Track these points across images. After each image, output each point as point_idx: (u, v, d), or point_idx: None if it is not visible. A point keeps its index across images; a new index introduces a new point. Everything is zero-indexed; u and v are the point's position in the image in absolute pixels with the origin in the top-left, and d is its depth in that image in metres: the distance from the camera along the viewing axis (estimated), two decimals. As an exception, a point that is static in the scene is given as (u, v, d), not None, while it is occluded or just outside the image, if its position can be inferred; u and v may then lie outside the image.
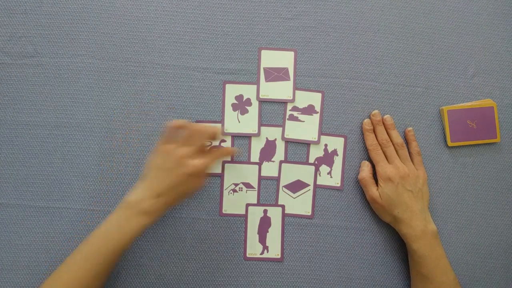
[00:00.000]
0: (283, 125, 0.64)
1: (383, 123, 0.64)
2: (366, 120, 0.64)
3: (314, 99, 0.65)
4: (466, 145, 0.65)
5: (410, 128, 0.64)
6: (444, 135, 0.65)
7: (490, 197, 0.65)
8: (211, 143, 0.64)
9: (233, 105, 0.64)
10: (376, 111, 0.64)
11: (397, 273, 0.63)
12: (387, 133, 0.63)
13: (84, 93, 0.63)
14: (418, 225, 0.58)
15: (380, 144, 0.62)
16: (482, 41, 0.66)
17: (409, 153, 0.63)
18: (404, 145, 0.62)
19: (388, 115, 0.63)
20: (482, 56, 0.66)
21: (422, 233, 0.58)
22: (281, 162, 0.64)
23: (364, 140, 0.64)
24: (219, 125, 0.59)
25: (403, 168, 0.60)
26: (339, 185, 0.64)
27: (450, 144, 0.64)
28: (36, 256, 0.61)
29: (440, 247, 0.59)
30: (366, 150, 0.64)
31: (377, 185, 0.61)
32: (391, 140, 0.63)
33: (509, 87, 0.66)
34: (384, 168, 0.61)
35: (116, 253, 0.52)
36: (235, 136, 0.64)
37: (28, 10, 0.63)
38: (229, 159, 0.63)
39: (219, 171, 0.63)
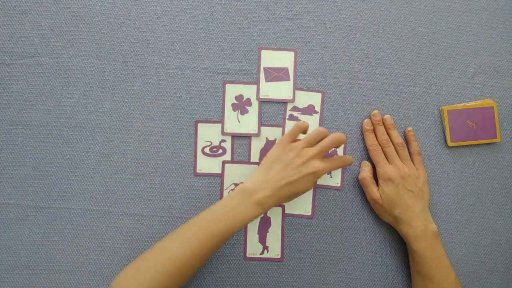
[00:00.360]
0: (283, 125, 0.64)
1: (383, 123, 0.64)
2: (366, 120, 0.64)
3: (314, 99, 0.65)
4: (466, 145, 0.65)
5: (410, 128, 0.64)
6: (444, 135, 0.65)
7: (490, 197, 0.65)
8: (210, 143, 0.64)
9: (233, 105, 0.64)
10: (376, 111, 0.64)
11: (397, 273, 0.63)
12: (387, 133, 0.63)
13: (84, 93, 0.63)
14: (418, 225, 0.58)
15: (380, 144, 0.62)
16: (482, 41, 0.66)
17: (409, 153, 0.63)
18: (404, 145, 0.62)
19: (388, 115, 0.63)
20: (482, 56, 0.66)
21: (422, 233, 0.58)
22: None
23: (364, 140, 0.64)
24: (342, 136, 0.56)
25: (404, 168, 0.60)
26: (339, 185, 0.64)
27: (450, 144, 0.64)
28: (36, 256, 0.61)
29: (440, 247, 0.59)
30: (366, 150, 0.64)
31: (377, 185, 0.61)
32: (391, 140, 0.62)
33: (509, 87, 0.66)
34: (384, 168, 0.61)
35: (223, 236, 0.52)
36: (235, 136, 0.64)
37: (27, 10, 0.63)
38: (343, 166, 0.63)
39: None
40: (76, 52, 0.64)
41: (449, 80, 0.66)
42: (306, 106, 0.65)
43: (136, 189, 0.63)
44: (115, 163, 0.63)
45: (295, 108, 0.64)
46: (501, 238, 0.64)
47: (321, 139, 0.56)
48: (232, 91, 0.64)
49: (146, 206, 0.62)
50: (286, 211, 0.63)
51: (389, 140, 0.62)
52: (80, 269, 0.62)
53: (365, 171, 0.62)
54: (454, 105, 0.65)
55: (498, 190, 0.65)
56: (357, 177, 0.64)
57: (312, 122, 0.64)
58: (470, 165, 0.65)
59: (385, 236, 0.64)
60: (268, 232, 0.63)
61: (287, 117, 0.64)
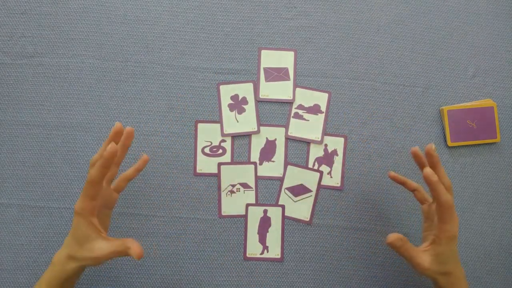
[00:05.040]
0: (287, 123, 0.64)
1: (431, 158, 0.51)
2: (427, 169, 0.48)
3: (320, 99, 0.65)
4: (466, 145, 0.65)
5: (434, 147, 0.51)
6: (444, 135, 0.65)
7: (490, 197, 0.65)
8: (210, 143, 0.64)
9: (229, 105, 0.64)
10: (432, 145, 0.50)
11: (397, 273, 0.63)
12: (434, 170, 0.50)
13: (84, 93, 0.63)
14: (461, 272, 0.51)
15: None
16: (482, 41, 0.67)
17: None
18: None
19: (432, 144, 0.51)
20: (482, 56, 0.66)
21: (463, 277, 0.51)
22: (287, 163, 0.64)
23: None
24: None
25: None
26: (339, 185, 0.64)
27: (450, 144, 0.64)
28: (36, 256, 0.61)
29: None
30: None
31: (419, 248, 0.51)
32: (442, 181, 0.50)
33: (509, 87, 0.66)
34: (454, 226, 0.49)
35: None
36: (235, 136, 0.64)
37: (27, 10, 0.63)
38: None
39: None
40: (76, 52, 0.64)
41: (449, 80, 0.66)
42: (312, 105, 0.64)
43: (136, 189, 0.63)
44: (115, 163, 0.63)
45: (300, 107, 0.64)
46: (501, 238, 0.64)
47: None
48: (227, 91, 0.64)
49: (146, 206, 0.62)
50: (286, 214, 0.63)
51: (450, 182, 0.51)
52: (80, 269, 0.61)
53: (404, 240, 0.49)
54: (454, 105, 0.65)
55: (498, 190, 0.65)
56: (359, 177, 0.63)
57: (317, 122, 0.64)
58: (470, 165, 0.65)
59: (385, 236, 0.63)
60: (268, 232, 0.63)
61: (292, 115, 0.64)
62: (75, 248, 0.48)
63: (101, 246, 0.47)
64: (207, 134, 0.64)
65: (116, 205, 0.55)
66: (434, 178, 0.48)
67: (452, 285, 0.50)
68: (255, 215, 0.63)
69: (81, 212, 0.47)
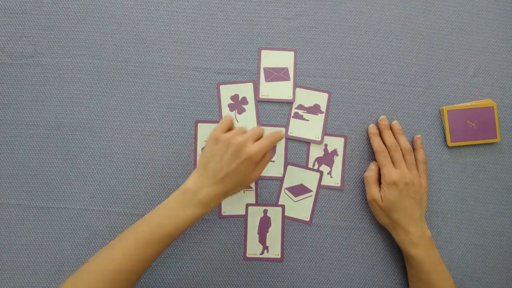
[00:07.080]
0: (287, 123, 0.64)
1: (391, 129, 0.63)
2: (372, 125, 0.63)
3: (321, 99, 0.65)
4: (466, 145, 0.65)
5: (419, 136, 0.63)
6: (444, 135, 0.65)
7: (490, 197, 0.65)
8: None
9: (229, 105, 0.64)
10: (383, 116, 0.64)
11: (397, 273, 0.63)
12: (395, 138, 0.62)
13: (84, 93, 0.63)
14: (416, 231, 0.58)
15: (388, 148, 0.62)
16: (482, 41, 0.66)
17: (416, 160, 0.62)
18: (412, 151, 0.62)
19: (396, 121, 0.63)
20: (482, 56, 0.66)
21: (420, 239, 0.57)
22: (287, 163, 0.64)
23: (370, 143, 0.64)
24: (281, 129, 0.58)
25: (409, 174, 0.59)
26: (339, 185, 0.64)
27: (450, 144, 0.64)
28: (36, 256, 0.61)
29: (436, 251, 0.58)
30: (366, 151, 0.64)
31: (379, 187, 0.61)
32: (399, 145, 0.61)
33: (509, 87, 0.66)
34: (390, 171, 0.60)
35: (167, 241, 0.51)
36: (235, 136, 0.64)
37: (28, 10, 0.63)
38: (282, 141, 0.63)
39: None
40: (76, 52, 0.64)
41: (449, 80, 0.66)
42: (312, 105, 0.64)
43: (136, 189, 0.63)
44: (115, 163, 0.63)
45: (300, 107, 0.64)
46: (501, 238, 0.64)
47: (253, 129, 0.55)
48: (227, 91, 0.64)
49: (146, 206, 0.62)
50: (286, 214, 0.63)
51: (397, 144, 0.61)
52: (80, 269, 0.61)
53: (372, 171, 0.62)
54: (454, 105, 0.65)
55: (498, 190, 0.65)
56: (359, 177, 0.64)
57: (317, 122, 0.64)
58: (470, 165, 0.65)
59: (385, 236, 0.64)
60: (268, 232, 0.63)
61: (292, 115, 0.64)
62: (233, 187, 0.53)
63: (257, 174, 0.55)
64: (207, 134, 0.64)
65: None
66: (373, 130, 0.63)
67: (397, 236, 0.59)
68: (255, 215, 0.63)
69: (254, 153, 0.52)
